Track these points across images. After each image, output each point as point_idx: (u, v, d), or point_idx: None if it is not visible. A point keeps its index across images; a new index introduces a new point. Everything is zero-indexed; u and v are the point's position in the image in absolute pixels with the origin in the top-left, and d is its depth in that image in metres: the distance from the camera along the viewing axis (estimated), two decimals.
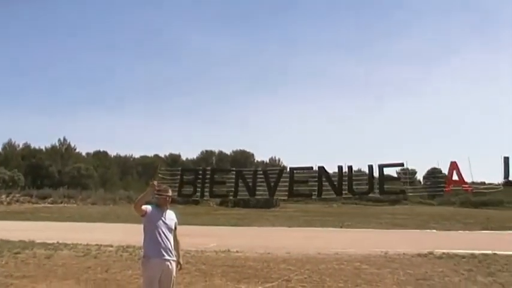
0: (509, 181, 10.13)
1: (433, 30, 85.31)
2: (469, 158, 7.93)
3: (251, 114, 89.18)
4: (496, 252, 12.84)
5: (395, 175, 9.14)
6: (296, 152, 70.47)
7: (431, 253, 12.66)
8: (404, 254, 12.63)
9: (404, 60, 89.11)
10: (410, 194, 10.63)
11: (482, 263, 11.32)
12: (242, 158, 59.87)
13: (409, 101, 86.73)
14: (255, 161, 61.03)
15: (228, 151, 63.21)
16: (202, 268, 10.36)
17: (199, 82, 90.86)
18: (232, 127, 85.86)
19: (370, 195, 8.63)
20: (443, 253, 12.64)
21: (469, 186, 9.68)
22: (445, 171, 9.05)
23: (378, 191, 7.74)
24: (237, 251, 12.95)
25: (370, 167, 7.39)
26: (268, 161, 60.22)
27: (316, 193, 7.37)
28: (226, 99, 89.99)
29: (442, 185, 9.66)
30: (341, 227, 23.38)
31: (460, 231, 21.90)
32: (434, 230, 22.34)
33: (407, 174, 8.27)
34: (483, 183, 12.55)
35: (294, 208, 37.79)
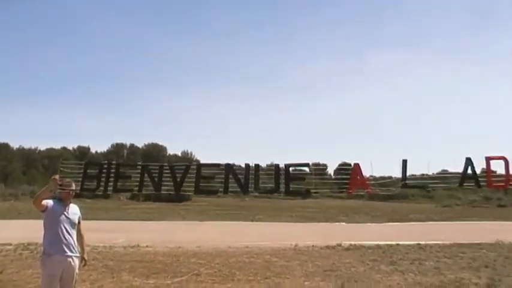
0: (406, 184, 10.60)
1: (347, 31, 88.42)
2: (371, 160, 8.17)
3: (164, 106, 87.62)
4: (398, 242, 13.44)
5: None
6: (210, 147, 70.56)
7: (339, 245, 12.99)
8: (313, 246, 12.86)
9: (314, 58, 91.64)
10: (314, 192, 10.82)
11: (386, 253, 11.78)
12: (154, 152, 58.60)
13: (326, 101, 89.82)
14: (168, 154, 59.96)
15: (140, 144, 61.69)
16: (110, 264, 9.92)
17: (111, 72, 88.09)
18: (144, 120, 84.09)
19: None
20: (351, 245, 13.02)
21: (370, 188, 10.05)
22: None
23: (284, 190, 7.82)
24: (147, 246, 12.55)
25: (277, 166, 7.42)
26: (180, 154, 59.45)
27: (222, 190, 7.26)
28: (137, 91, 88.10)
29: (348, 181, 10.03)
30: (252, 221, 23.50)
31: (367, 224, 22.77)
32: (343, 223, 23.06)
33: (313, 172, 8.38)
34: (389, 177, 13.04)
35: (206, 202, 37.54)
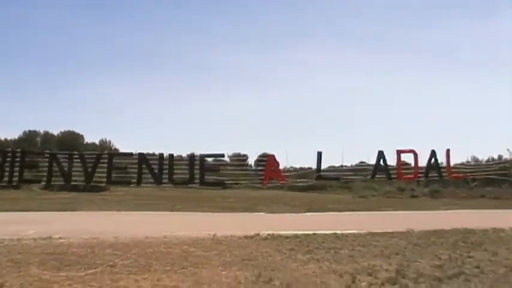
0: (320, 175, 10.89)
1: (272, 22, 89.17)
2: (287, 151, 8.30)
3: (80, 93, 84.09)
4: (316, 232, 13.76)
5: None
6: (129, 136, 68.80)
7: (257, 234, 13.08)
8: (232, 236, 12.87)
9: (238, 49, 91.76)
10: (232, 183, 10.86)
11: (303, 242, 12.01)
12: (71, 140, 56.10)
13: (252, 92, 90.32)
14: (85, 142, 57.67)
15: (55, 132, 58.85)
16: (17, 258, 9.37)
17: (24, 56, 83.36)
18: (59, 106, 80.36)
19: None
20: (269, 234, 13.15)
21: (285, 179, 10.22)
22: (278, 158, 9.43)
23: (199, 181, 7.73)
24: (60, 238, 11.99)
25: (192, 157, 7.24)
26: (98, 143, 57.45)
27: (135, 180, 7.00)
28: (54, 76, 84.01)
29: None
30: (171, 211, 23.22)
31: (286, 214, 23.16)
32: (262, 213, 23.34)
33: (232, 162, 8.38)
34: (309, 168, 13.37)
35: (124, 192, 36.60)
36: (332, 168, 13.83)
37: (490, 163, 12.90)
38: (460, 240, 12.39)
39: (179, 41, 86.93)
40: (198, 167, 7.41)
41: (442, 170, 11.56)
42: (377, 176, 11.32)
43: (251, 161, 41.00)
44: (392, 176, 11.36)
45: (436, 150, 11.30)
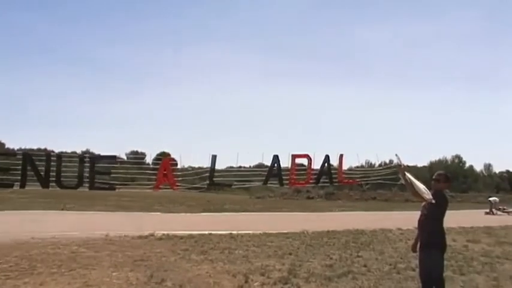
0: (213, 181, 10.78)
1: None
2: (180, 154, 8.18)
3: None
4: (211, 232, 13.74)
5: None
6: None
7: (152, 235, 12.80)
8: (125, 236, 12.48)
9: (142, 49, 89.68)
10: (120, 185, 10.52)
11: (198, 242, 11.93)
12: None
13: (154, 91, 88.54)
14: None
15: None
16: None
17: None
18: None
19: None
20: (164, 234, 12.91)
21: (176, 185, 10.04)
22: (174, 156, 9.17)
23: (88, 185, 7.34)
24: None
25: (82, 159, 6.83)
26: None
27: (19, 183, 6.44)
28: None
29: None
30: (62, 210, 22.06)
31: (182, 214, 22.93)
32: (158, 212, 22.92)
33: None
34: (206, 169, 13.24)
35: (10, 189, 34.15)
36: (231, 169, 13.88)
37: (381, 167, 13.56)
38: (350, 241, 12.98)
39: (74, 36, 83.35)
40: (88, 169, 7.02)
41: (333, 175, 11.90)
42: (269, 182, 11.33)
43: (149, 159, 40.01)
44: (285, 181, 11.41)
45: (331, 155, 11.56)
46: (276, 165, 10.90)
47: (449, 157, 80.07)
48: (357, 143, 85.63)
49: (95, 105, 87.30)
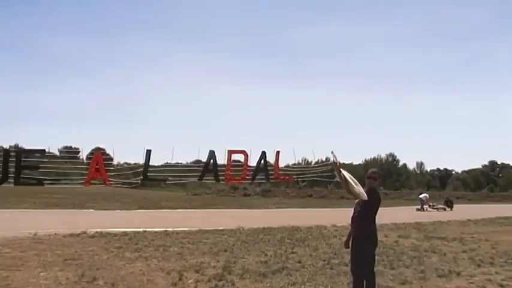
0: (147, 177, 10.46)
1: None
2: (113, 149, 7.93)
3: None
4: (146, 229, 13.49)
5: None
6: None
7: (84, 232, 12.41)
8: (55, 234, 12.03)
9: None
10: (49, 180, 10.09)
11: (132, 240, 11.68)
12: None
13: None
14: None
15: None
16: None
17: None
18: None
19: None
20: (97, 232, 12.56)
21: (108, 181, 9.74)
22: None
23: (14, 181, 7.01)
24: None
25: (7, 153, 6.49)
26: None
27: None
28: None
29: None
30: None
31: (117, 211, 22.40)
32: (92, 210, 22.27)
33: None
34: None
35: None
36: (168, 164, 13.62)
37: (318, 165, 13.74)
38: (286, 237, 13.11)
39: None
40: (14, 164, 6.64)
41: (270, 172, 11.89)
42: (205, 178, 11.13)
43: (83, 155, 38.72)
44: (221, 178, 11.25)
45: (268, 151, 11.48)
46: (212, 161, 10.76)
47: (383, 155, 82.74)
48: (294, 139, 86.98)
49: (24, 98, 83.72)
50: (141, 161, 10.12)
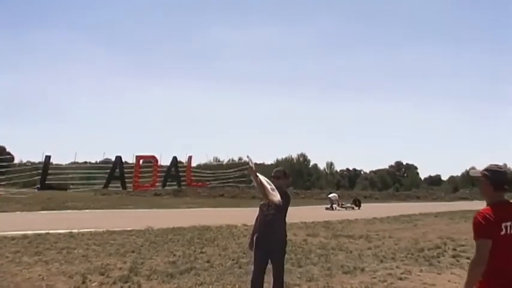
0: (46, 184, 9.78)
1: None
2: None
3: None
4: (49, 231, 12.79)
5: None
6: None
7: None
8: None
9: None
10: None
11: (32, 243, 11.00)
12: None
13: None
14: None
15: None
16: None
17: None
18: None
19: None
20: None
21: None
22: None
23: None
24: None
25: None
26: None
27: None
28: None
29: None
30: None
31: (17, 212, 21.12)
32: None
33: None
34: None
35: None
36: (76, 165, 13.01)
37: (232, 170, 13.68)
38: (195, 237, 12.96)
39: None
40: None
41: (182, 177, 11.51)
42: (111, 185, 10.54)
43: None
44: (128, 184, 10.70)
45: (180, 155, 11.20)
46: (118, 167, 10.26)
47: (295, 155, 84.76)
48: (209, 140, 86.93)
49: None
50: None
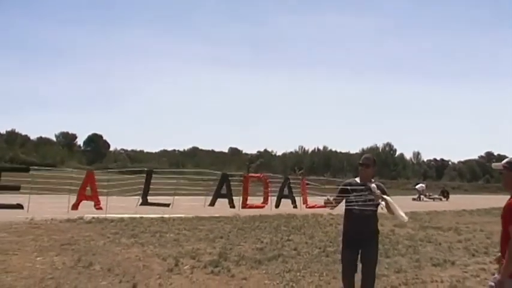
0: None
1: None
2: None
3: None
4: (143, 216, 13.48)
5: None
6: None
7: (80, 218, 12.40)
8: (52, 219, 12.04)
9: None
10: None
11: (129, 226, 11.73)
12: None
13: None
14: None
15: None
16: None
17: None
18: None
19: None
20: (93, 218, 12.54)
21: None
22: None
23: None
24: None
25: None
26: None
27: None
28: None
29: None
30: None
31: (114, 197, 22.33)
32: None
33: None
34: None
35: None
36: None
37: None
38: (282, 225, 13.17)
39: None
40: None
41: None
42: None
43: None
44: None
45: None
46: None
47: (380, 145, 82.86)
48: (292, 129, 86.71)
49: None
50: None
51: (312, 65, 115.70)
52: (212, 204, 5.96)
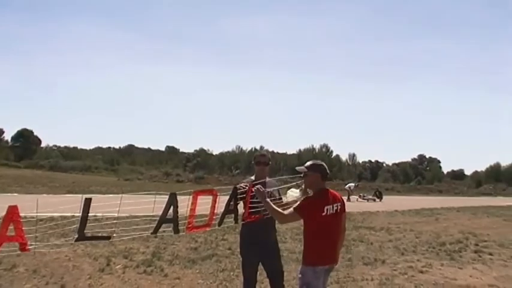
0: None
1: None
2: None
3: None
4: (74, 214, 12.99)
5: None
6: None
7: None
8: None
9: None
10: None
11: (59, 225, 11.21)
12: None
13: None
14: None
15: None
16: None
17: None
18: None
19: None
20: (20, 217, 11.94)
21: None
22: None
23: None
24: None
25: None
26: None
27: None
28: None
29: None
30: None
31: (43, 195, 21.57)
32: (16, 194, 21.30)
33: None
34: None
35: None
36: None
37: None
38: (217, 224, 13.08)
39: None
40: None
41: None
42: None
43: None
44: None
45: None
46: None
47: (317, 146, 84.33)
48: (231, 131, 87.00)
49: None
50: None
51: (251, 64, 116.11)
52: (155, 232, 4.60)
